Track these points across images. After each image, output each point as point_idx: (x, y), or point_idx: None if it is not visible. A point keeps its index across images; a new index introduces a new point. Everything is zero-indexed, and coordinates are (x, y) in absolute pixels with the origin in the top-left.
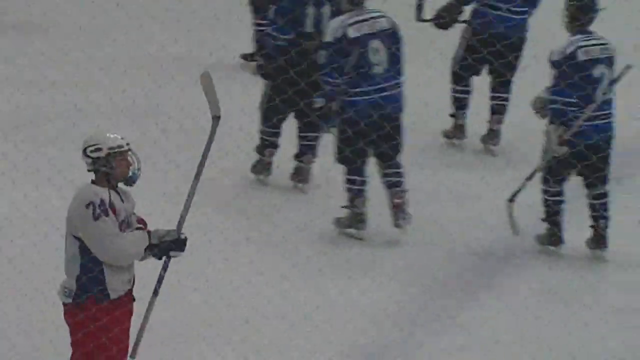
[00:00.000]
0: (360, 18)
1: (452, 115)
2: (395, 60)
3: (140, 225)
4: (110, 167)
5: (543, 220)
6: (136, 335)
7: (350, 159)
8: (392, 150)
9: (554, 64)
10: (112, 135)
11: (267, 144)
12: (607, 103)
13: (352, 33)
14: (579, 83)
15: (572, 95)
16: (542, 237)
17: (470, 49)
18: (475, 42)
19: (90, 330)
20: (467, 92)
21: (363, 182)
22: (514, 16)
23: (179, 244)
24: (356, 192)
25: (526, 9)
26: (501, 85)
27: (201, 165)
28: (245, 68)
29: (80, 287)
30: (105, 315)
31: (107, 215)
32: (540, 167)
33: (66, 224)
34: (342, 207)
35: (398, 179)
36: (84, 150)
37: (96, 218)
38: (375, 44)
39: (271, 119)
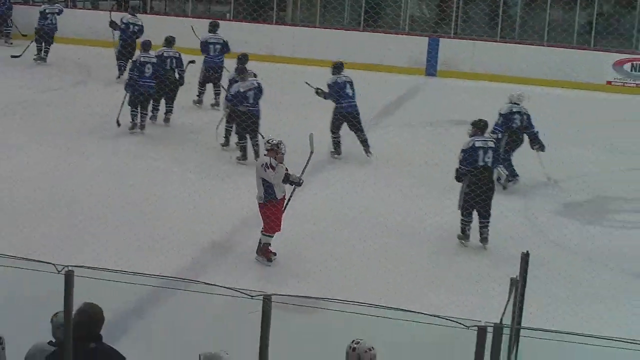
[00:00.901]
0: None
1: None
2: None
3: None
4: (278, 148)
5: None
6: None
7: None
8: None
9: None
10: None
11: None
12: None
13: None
14: None
15: None
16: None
17: None
18: None
19: (268, 212)
20: None
21: None
22: None
23: (300, 183)
24: None
25: None
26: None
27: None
28: None
29: (264, 195)
30: (274, 205)
31: (269, 168)
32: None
33: (256, 173)
34: None
35: None
36: (268, 141)
37: (265, 170)
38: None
39: None
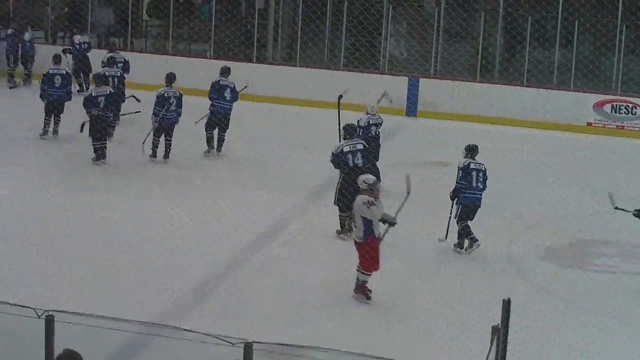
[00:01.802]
0: None
1: None
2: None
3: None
4: (374, 187)
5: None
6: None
7: None
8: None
9: None
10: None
11: None
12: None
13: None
14: None
15: None
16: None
17: None
18: None
19: (367, 250)
20: None
21: None
22: None
23: (394, 222)
24: None
25: None
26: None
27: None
28: None
29: (364, 234)
30: (373, 243)
31: (370, 206)
32: None
33: (355, 212)
34: None
35: None
36: (364, 181)
37: (368, 207)
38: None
39: None
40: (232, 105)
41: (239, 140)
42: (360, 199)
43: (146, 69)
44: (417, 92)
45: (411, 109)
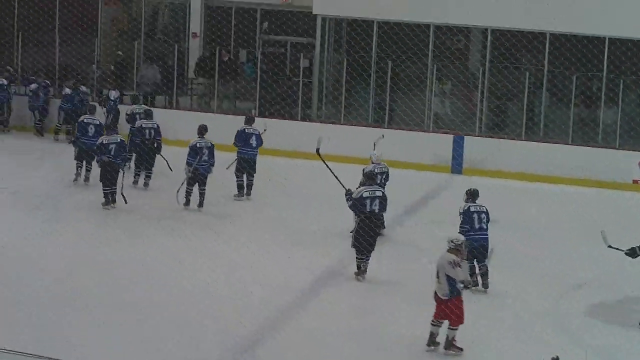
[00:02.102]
0: None
1: None
2: None
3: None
4: (462, 248)
5: None
6: None
7: None
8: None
9: None
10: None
11: None
12: None
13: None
14: None
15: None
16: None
17: None
18: None
19: (453, 306)
20: None
21: None
22: None
23: (469, 286)
24: None
25: None
26: None
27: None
28: None
29: (449, 291)
30: (457, 300)
31: (457, 266)
32: None
33: (438, 267)
34: None
35: None
36: (452, 241)
37: (453, 267)
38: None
39: None
40: (257, 151)
41: (278, 194)
42: (446, 257)
43: (191, 127)
44: (462, 150)
45: (456, 167)
